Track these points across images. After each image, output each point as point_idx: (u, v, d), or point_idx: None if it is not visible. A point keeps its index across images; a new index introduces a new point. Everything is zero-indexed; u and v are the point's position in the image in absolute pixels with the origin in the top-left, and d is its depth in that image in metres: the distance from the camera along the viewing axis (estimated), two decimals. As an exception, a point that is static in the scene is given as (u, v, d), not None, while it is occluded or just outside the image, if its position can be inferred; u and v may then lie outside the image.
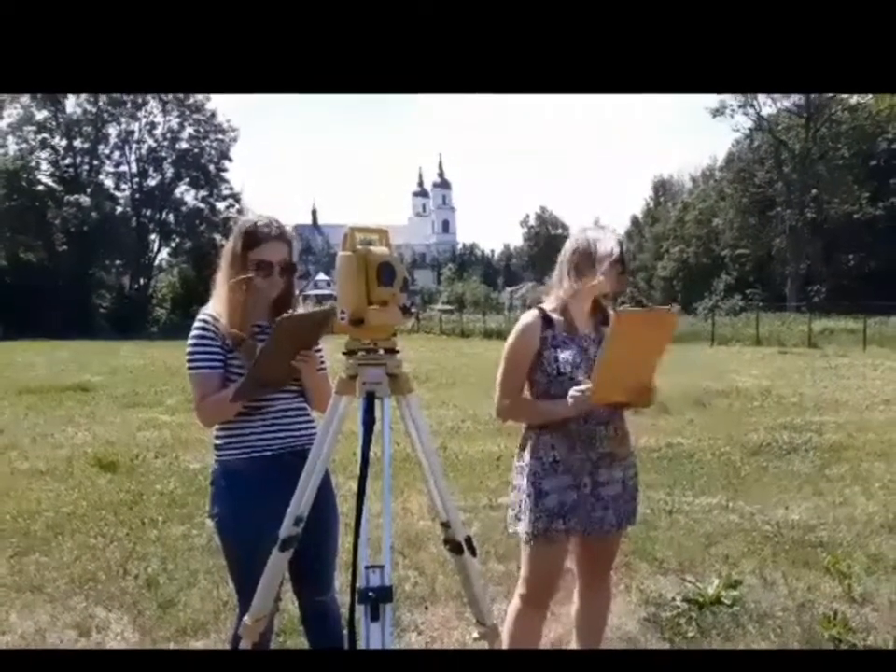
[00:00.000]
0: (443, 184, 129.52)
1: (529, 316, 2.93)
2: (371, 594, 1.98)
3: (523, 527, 2.93)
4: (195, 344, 2.73)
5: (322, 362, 2.87)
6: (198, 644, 3.87)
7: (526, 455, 2.96)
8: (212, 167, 63.38)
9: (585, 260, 2.85)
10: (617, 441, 2.96)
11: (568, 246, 2.93)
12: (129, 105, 60.48)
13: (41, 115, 59.13)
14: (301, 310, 2.82)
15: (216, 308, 2.76)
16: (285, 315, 2.55)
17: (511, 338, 2.95)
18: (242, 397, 2.64)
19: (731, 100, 53.08)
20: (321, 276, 79.31)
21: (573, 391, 2.72)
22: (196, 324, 2.76)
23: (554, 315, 2.91)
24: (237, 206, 62.12)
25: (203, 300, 2.87)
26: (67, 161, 60.79)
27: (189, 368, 2.74)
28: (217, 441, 2.82)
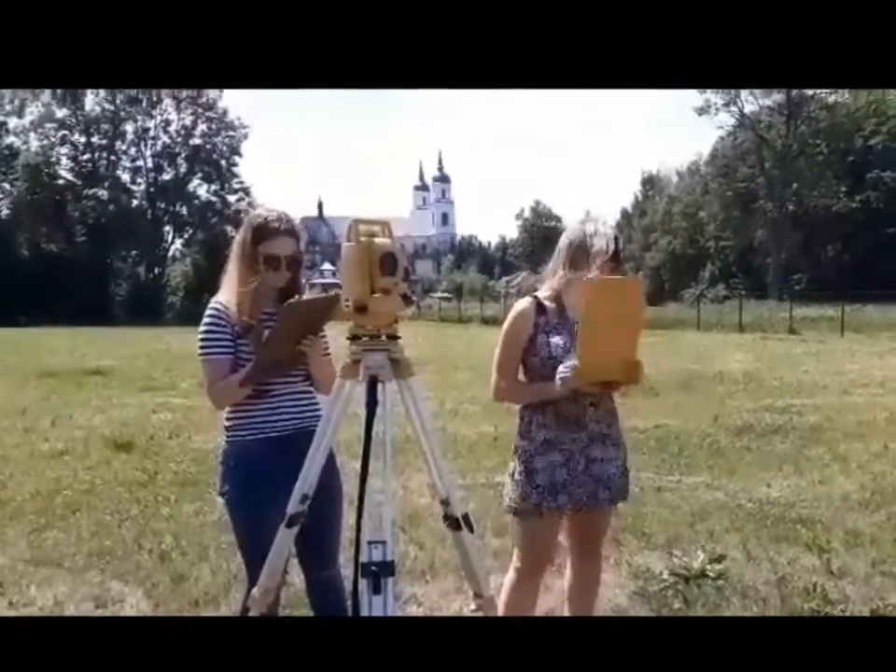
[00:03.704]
0: (443, 178, 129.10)
1: (524, 303, 2.94)
2: (373, 568, 1.97)
3: (514, 505, 2.94)
4: (207, 331, 2.73)
5: (326, 347, 2.85)
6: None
7: (520, 436, 2.96)
8: (223, 162, 63.40)
9: (580, 254, 2.82)
10: (607, 422, 2.95)
11: (565, 239, 2.91)
12: (144, 104, 60.54)
13: (61, 113, 59.29)
14: (306, 297, 2.80)
15: (226, 297, 2.76)
16: (290, 301, 2.53)
17: (506, 322, 2.97)
18: (251, 381, 2.65)
19: (715, 98, 53.05)
20: (327, 266, 79.26)
21: (561, 368, 2.70)
22: (208, 312, 2.76)
23: (547, 303, 2.91)
24: (248, 199, 62.12)
25: (214, 288, 2.86)
26: (86, 156, 60.86)
27: (201, 353, 2.74)
28: (227, 423, 2.81)
